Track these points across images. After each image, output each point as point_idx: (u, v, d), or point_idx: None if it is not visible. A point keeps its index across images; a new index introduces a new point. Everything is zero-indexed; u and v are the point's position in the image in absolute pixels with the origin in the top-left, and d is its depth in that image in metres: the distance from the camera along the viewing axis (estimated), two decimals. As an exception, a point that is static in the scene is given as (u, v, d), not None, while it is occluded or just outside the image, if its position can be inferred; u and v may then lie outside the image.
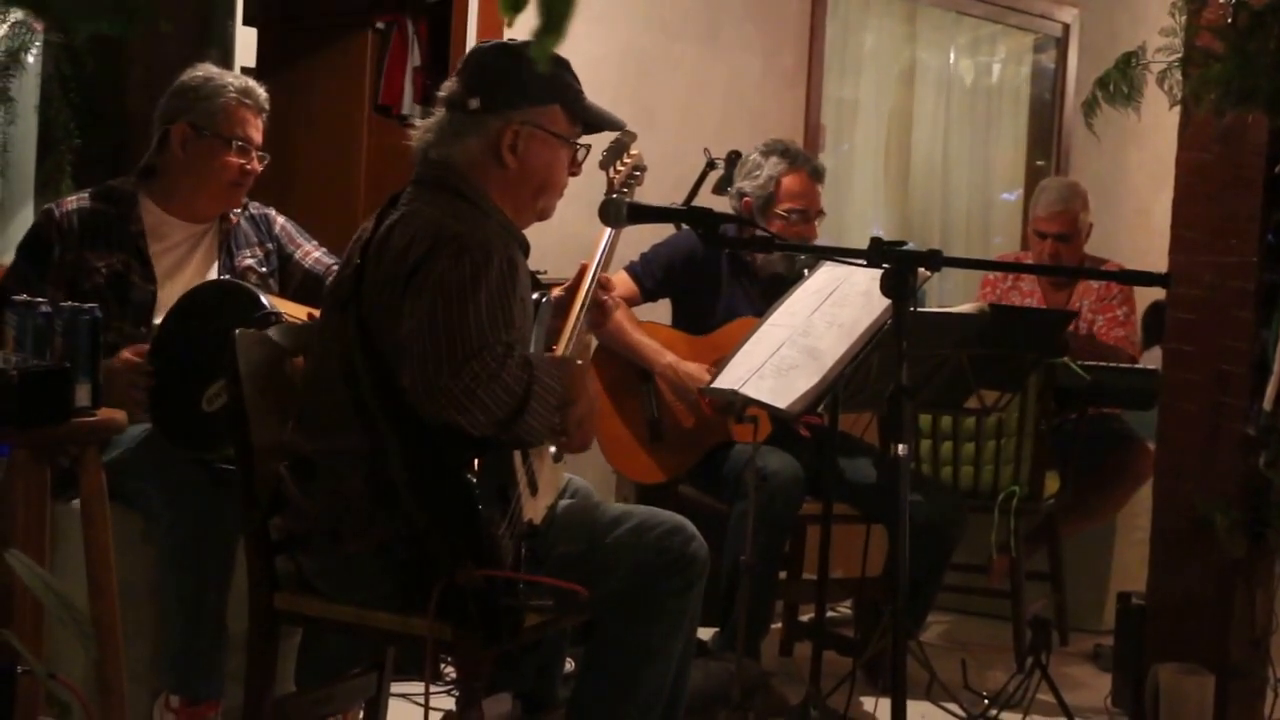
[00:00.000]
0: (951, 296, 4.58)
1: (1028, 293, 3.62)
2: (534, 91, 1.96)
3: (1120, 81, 2.54)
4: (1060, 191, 3.56)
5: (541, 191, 2.01)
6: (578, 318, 2.11)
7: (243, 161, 2.44)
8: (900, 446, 1.81)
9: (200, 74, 2.45)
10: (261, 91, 2.47)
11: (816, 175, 3.09)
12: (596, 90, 2.07)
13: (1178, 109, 2.54)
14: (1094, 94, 2.57)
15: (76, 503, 2.04)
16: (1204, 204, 2.59)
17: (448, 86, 2.00)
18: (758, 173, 3.06)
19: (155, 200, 2.44)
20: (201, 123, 2.41)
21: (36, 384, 1.86)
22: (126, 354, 2.25)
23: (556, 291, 2.15)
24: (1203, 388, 2.60)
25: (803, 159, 3.08)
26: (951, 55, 4.83)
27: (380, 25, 4.12)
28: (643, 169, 2.23)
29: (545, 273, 2.82)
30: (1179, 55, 2.48)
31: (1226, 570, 2.56)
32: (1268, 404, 2.47)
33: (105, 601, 1.97)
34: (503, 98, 1.95)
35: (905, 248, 1.83)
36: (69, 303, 2.01)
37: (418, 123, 2.04)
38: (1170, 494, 2.67)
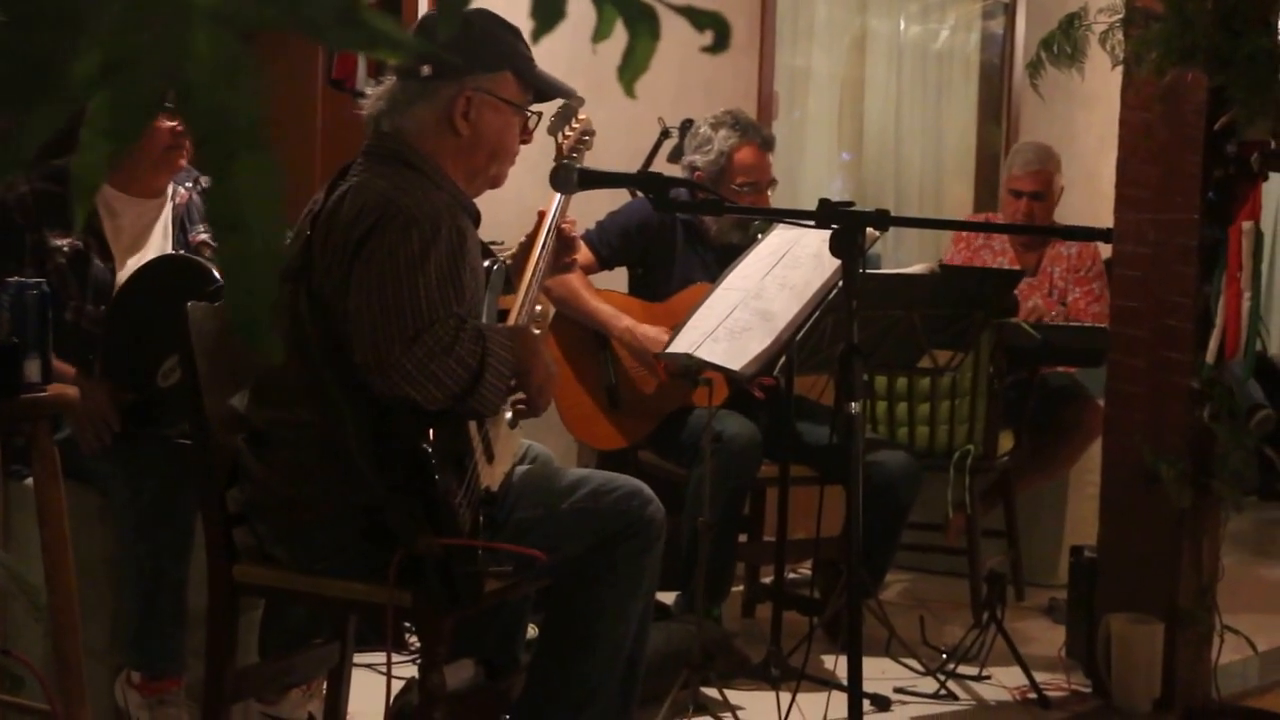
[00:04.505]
0: (907, 264, 4.62)
1: (999, 252, 3.68)
2: (486, 58, 1.96)
3: (1064, 42, 2.57)
4: (1037, 152, 3.65)
5: (494, 159, 2.01)
6: (529, 284, 2.12)
7: (171, 124, 2.39)
8: (853, 404, 1.84)
9: None
10: None
11: (767, 146, 3.10)
12: (549, 58, 2.06)
13: (1123, 75, 2.58)
14: (1039, 55, 2.60)
15: (30, 480, 2.03)
16: (1147, 163, 2.63)
17: None
18: (708, 146, 3.05)
19: None
20: None
21: (-15, 360, 1.84)
22: (105, 403, 2.20)
23: (509, 258, 2.16)
24: (1148, 343, 2.65)
25: (753, 130, 3.09)
26: (902, 23, 4.84)
27: (331, -2, 4.07)
28: (591, 133, 2.23)
29: (502, 243, 2.81)
30: (1120, 16, 2.52)
31: (1174, 521, 2.61)
32: (1210, 357, 2.52)
33: (61, 578, 1.96)
34: (454, 64, 1.95)
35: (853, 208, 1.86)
36: (15, 278, 1.99)
37: (369, 91, 2.03)
38: (1119, 448, 2.73)
